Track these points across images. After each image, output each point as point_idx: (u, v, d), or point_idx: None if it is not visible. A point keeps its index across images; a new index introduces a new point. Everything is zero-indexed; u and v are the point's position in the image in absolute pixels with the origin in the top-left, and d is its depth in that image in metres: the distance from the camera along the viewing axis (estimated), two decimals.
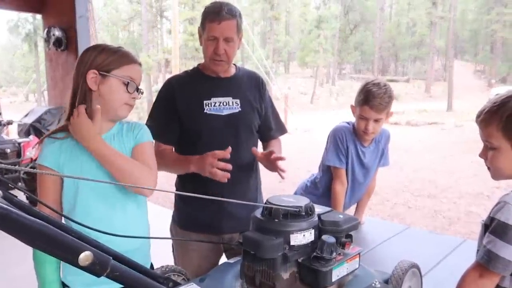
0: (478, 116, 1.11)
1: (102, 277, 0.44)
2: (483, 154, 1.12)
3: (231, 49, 1.56)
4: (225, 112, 1.61)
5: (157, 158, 1.62)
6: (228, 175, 1.41)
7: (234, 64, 1.72)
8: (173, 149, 1.68)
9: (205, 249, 1.66)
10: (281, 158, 1.51)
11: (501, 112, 1.04)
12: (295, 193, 2.15)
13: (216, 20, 1.50)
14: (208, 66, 1.62)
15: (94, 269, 0.42)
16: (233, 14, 1.52)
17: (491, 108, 1.07)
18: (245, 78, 1.71)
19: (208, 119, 1.58)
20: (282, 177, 1.53)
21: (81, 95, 1.19)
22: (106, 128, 1.27)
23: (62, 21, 5.43)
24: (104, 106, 1.21)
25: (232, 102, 1.62)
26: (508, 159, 1.05)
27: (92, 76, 1.19)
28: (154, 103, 1.68)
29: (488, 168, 1.12)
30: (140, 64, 1.28)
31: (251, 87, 1.70)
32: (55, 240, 0.37)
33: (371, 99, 1.73)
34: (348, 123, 1.94)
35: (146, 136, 1.32)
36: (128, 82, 1.22)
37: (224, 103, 1.61)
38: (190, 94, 1.61)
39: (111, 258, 0.43)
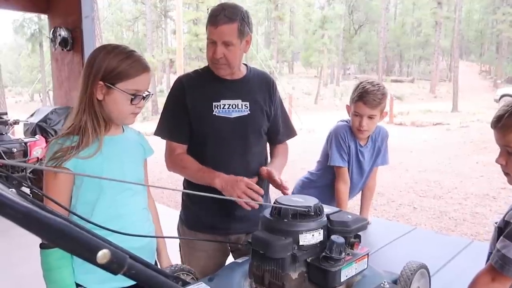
0: (497, 121, 1.06)
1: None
2: (502, 160, 1.08)
3: (231, 54, 1.51)
4: (234, 115, 1.59)
5: (175, 164, 1.63)
6: (252, 207, 1.38)
7: (246, 65, 1.70)
8: (186, 149, 1.66)
9: (212, 249, 1.67)
10: (284, 189, 1.47)
11: None
12: (293, 190, 2.17)
13: (214, 24, 1.48)
14: (212, 69, 1.61)
15: (112, 267, 0.42)
16: (232, 17, 1.48)
17: None
18: (255, 79, 1.68)
19: (216, 122, 1.57)
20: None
21: (89, 101, 1.20)
22: (117, 129, 1.31)
23: (68, 21, 5.46)
24: (110, 114, 1.23)
25: (242, 105, 1.60)
26: None
27: (98, 86, 1.19)
28: (165, 102, 1.67)
29: (506, 174, 1.09)
30: (149, 70, 1.27)
31: (261, 89, 1.68)
32: (75, 238, 0.37)
33: (365, 95, 1.80)
34: (346, 121, 1.97)
35: (151, 151, 1.43)
36: (133, 97, 1.22)
37: (233, 106, 1.59)
38: (199, 94, 1.60)
39: (128, 256, 0.43)
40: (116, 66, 1.18)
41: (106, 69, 1.18)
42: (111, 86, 1.19)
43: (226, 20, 1.47)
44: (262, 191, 1.40)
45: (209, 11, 1.55)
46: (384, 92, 1.84)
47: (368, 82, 1.85)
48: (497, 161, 1.10)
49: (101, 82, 1.19)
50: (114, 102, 1.21)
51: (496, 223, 1.10)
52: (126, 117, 1.26)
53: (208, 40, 1.54)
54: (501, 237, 1.02)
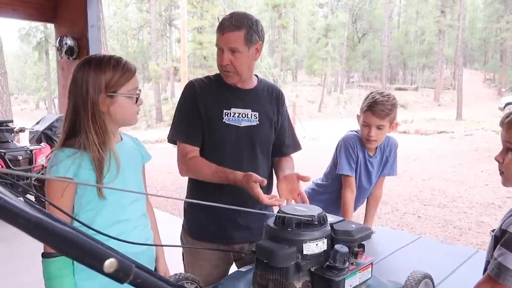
0: (506, 117, 1.09)
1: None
2: (500, 157, 1.10)
3: (238, 60, 1.53)
4: (243, 124, 1.60)
5: (189, 168, 1.60)
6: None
7: (256, 76, 1.72)
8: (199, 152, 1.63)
9: (215, 258, 1.67)
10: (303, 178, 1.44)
11: None
12: None
13: (221, 30, 1.52)
14: (222, 76, 1.62)
15: (118, 276, 0.42)
16: (239, 25, 1.50)
17: None
18: (265, 91, 1.70)
19: (226, 129, 1.58)
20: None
21: (94, 117, 1.19)
22: (116, 139, 1.32)
23: (74, 30, 5.52)
24: (119, 119, 1.26)
25: (251, 115, 1.62)
26: None
27: (101, 100, 1.20)
28: (178, 105, 1.66)
29: (501, 173, 1.10)
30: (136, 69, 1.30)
31: (270, 101, 1.70)
32: (83, 247, 0.38)
33: (374, 105, 1.81)
34: (356, 131, 1.98)
35: (148, 156, 1.45)
36: (137, 96, 1.26)
37: (243, 115, 1.61)
38: (210, 100, 1.61)
39: (134, 265, 0.44)
40: (113, 75, 1.20)
41: (105, 82, 1.19)
42: (114, 94, 1.21)
43: (233, 28, 1.50)
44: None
45: (218, 20, 1.58)
46: (394, 103, 1.84)
47: (378, 93, 1.86)
48: (495, 158, 1.12)
49: (103, 95, 1.20)
50: (120, 107, 1.23)
51: (493, 231, 1.10)
52: (133, 118, 1.29)
53: (216, 47, 1.57)
54: (498, 246, 1.03)
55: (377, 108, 1.80)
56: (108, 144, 1.21)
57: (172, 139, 1.66)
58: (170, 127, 1.68)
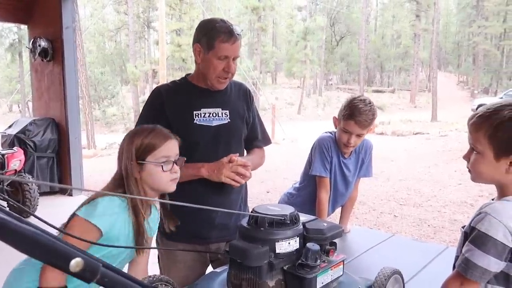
0: (470, 119, 1.12)
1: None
2: (467, 156, 1.14)
3: (235, 66, 1.61)
4: (215, 123, 1.62)
5: None
6: (243, 182, 1.54)
7: None
8: None
9: (192, 259, 1.67)
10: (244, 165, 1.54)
11: (493, 119, 1.06)
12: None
13: (230, 40, 1.54)
14: (211, 84, 1.61)
15: (85, 275, 0.43)
16: (240, 34, 1.57)
17: (484, 114, 1.08)
18: (233, 89, 1.73)
19: (198, 130, 1.60)
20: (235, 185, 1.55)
21: (132, 182, 1.29)
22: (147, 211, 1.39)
23: (48, 32, 5.41)
24: (152, 186, 1.33)
25: (222, 113, 1.64)
26: (489, 165, 1.08)
27: (133, 167, 1.30)
28: (142, 112, 1.67)
29: (469, 170, 1.15)
30: (172, 137, 1.36)
31: (239, 98, 1.73)
32: (48, 247, 0.39)
33: (357, 114, 1.78)
34: (331, 133, 1.99)
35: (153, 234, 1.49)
36: (162, 164, 1.30)
37: (214, 114, 1.63)
38: (179, 104, 1.62)
39: (101, 264, 0.45)
40: (142, 142, 1.30)
41: (134, 148, 1.29)
42: (142, 162, 1.29)
43: (239, 37, 1.56)
44: (248, 163, 1.54)
45: (212, 27, 1.55)
46: (375, 111, 1.84)
47: (360, 100, 1.82)
48: (463, 157, 1.16)
49: (134, 163, 1.29)
50: (149, 175, 1.31)
51: (463, 227, 1.14)
52: (166, 185, 1.34)
53: (218, 56, 1.55)
54: (467, 242, 1.06)
55: (360, 118, 1.78)
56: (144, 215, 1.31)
57: None
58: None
